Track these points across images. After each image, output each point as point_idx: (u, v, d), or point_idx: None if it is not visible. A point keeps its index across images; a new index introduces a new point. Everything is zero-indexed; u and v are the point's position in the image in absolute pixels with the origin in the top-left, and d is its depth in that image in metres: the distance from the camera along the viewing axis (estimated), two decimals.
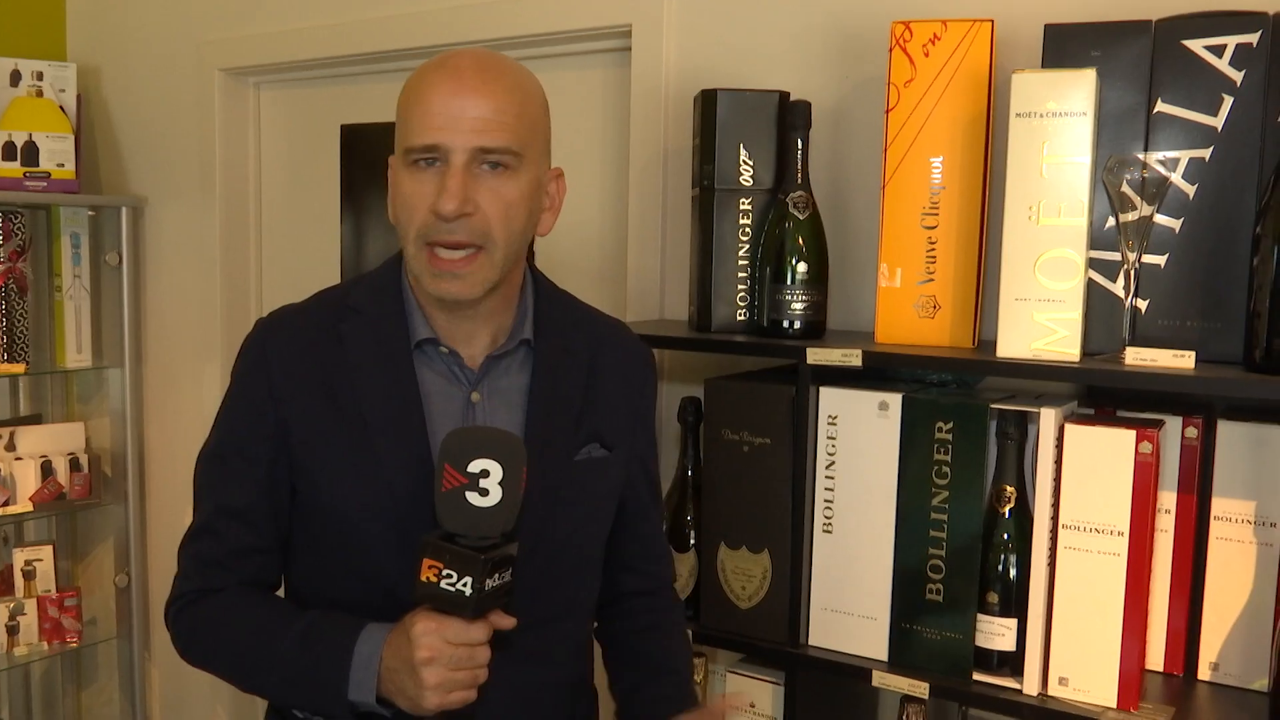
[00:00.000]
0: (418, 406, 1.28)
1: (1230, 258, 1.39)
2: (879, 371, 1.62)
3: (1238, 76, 1.39)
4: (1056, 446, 1.39)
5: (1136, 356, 1.36)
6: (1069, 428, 1.38)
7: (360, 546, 1.27)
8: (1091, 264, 1.45)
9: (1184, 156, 1.42)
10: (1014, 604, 1.44)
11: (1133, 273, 1.42)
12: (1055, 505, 1.40)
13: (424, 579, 1.13)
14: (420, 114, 1.22)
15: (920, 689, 1.46)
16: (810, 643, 1.57)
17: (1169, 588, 1.46)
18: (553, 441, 1.31)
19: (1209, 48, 1.40)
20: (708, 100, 1.66)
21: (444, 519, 1.13)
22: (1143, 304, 1.45)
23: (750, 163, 1.66)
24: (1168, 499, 1.45)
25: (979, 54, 1.49)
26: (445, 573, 1.12)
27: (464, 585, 1.11)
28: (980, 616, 1.45)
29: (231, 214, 2.69)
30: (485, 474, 1.12)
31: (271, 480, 1.30)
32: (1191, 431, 1.43)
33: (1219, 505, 1.42)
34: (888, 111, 1.53)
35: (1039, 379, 1.44)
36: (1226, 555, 1.43)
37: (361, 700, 1.19)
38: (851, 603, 1.54)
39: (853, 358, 1.47)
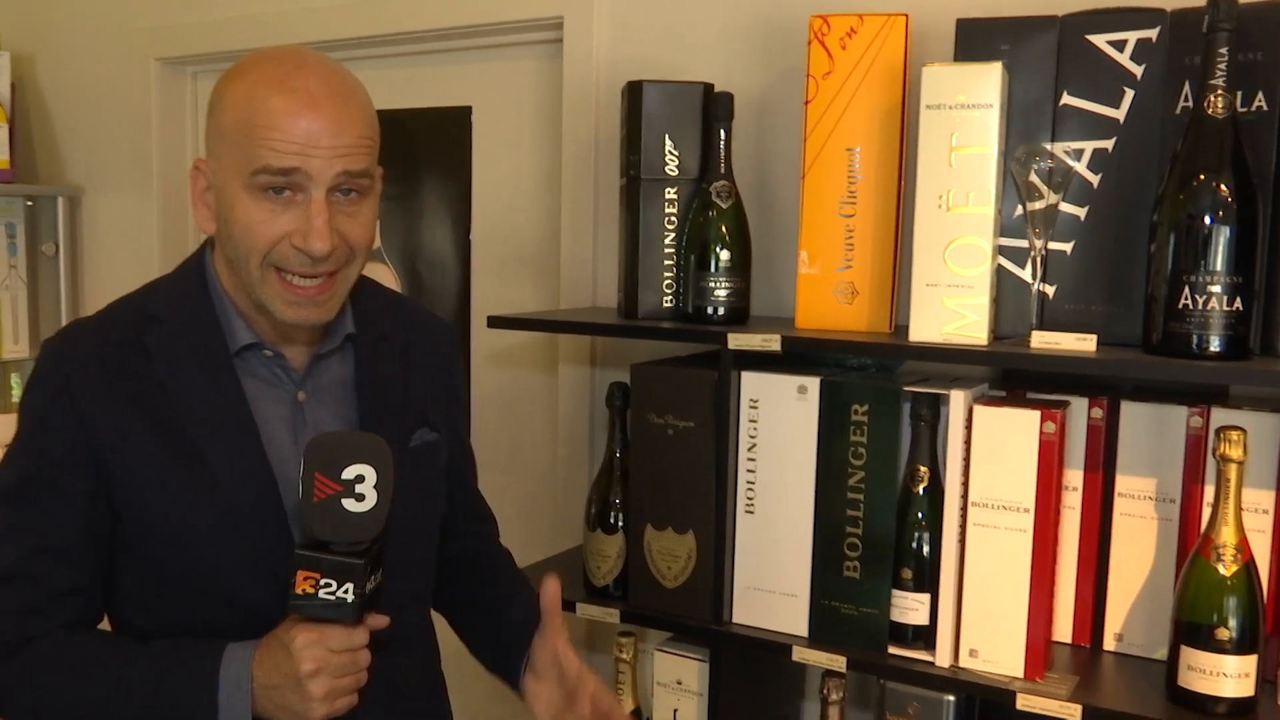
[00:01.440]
0: (248, 415, 1.24)
1: (1131, 244, 1.45)
2: (805, 356, 1.66)
3: (1138, 70, 1.44)
4: (966, 427, 1.44)
5: (1041, 340, 1.41)
6: (977, 409, 1.43)
7: (207, 567, 1.22)
8: (1001, 251, 1.50)
9: (1088, 147, 1.47)
10: (927, 580, 1.49)
11: (1039, 259, 1.47)
12: (965, 484, 1.45)
13: (300, 591, 1.11)
14: (271, 137, 1.15)
15: (838, 663, 1.51)
16: (734, 620, 1.61)
17: (1076, 562, 1.51)
18: (387, 431, 1.27)
19: (1111, 42, 1.45)
20: (633, 92, 1.69)
21: (316, 528, 1.12)
22: (1050, 289, 1.50)
23: (676, 153, 1.70)
24: (1074, 477, 1.50)
25: (894, 47, 1.53)
26: (323, 583, 1.11)
27: (345, 593, 1.11)
28: (895, 592, 1.50)
29: (169, 204, 2.69)
30: (360, 479, 1.12)
31: (90, 512, 1.22)
32: (1096, 412, 1.49)
33: (1122, 483, 1.48)
34: (806, 103, 1.57)
35: (948, 362, 1.49)
36: (1130, 530, 1.48)
37: None
38: (773, 581, 1.58)
39: (772, 343, 1.51)
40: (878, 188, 1.55)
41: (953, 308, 1.43)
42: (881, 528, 1.49)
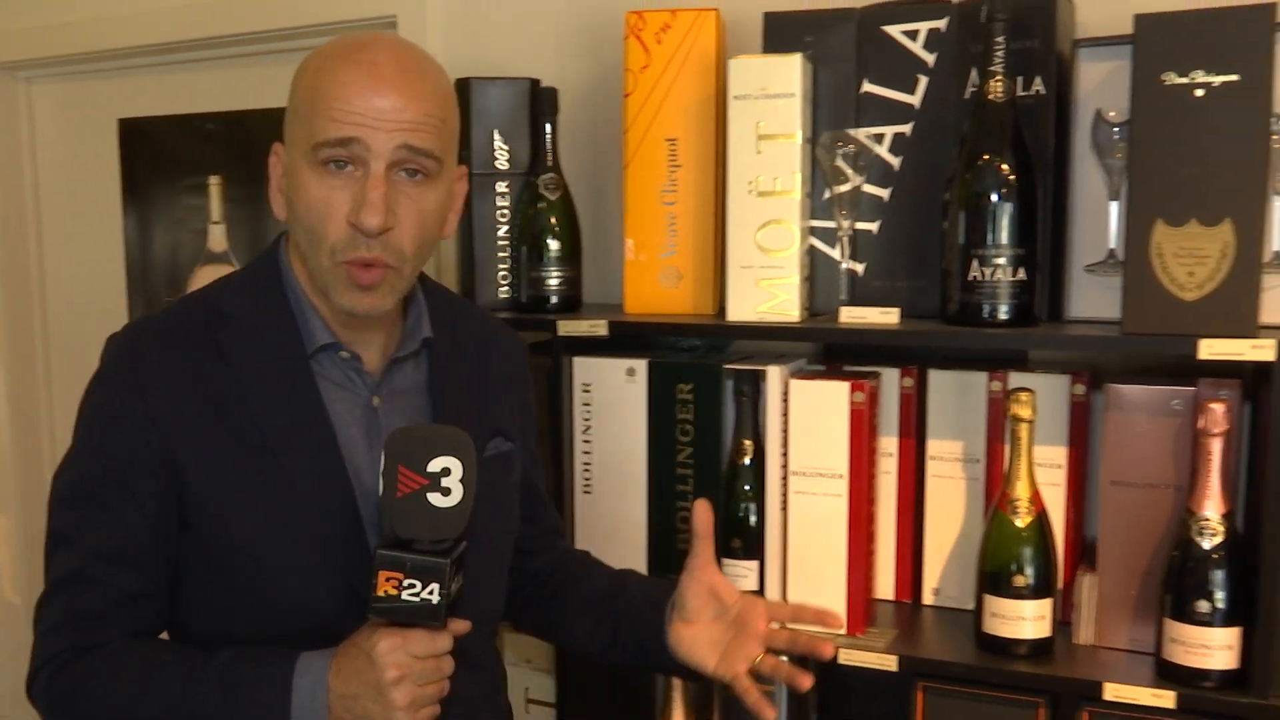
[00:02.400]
0: (325, 418, 1.19)
1: (930, 222, 1.54)
2: (640, 339, 1.73)
3: (930, 58, 1.54)
4: (784, 401, 1.52)
5: (849, 315, 1.49)
6: (793, 383, 1.51)
7: (280, 575, 1.17)
8: (813, 232, 1.58)
9: (888, 132, 1.56)
10: (755, 547, 1.57)
11: (847, 239, 1.56)
12: (785, 454, 1.53)
13: (382, 593, 1.05)
14: (333, 107, 1.11)
15: None
16: None
17: (895, 523, 1.61)
18: None
19: (905, 33, 1.54)
20: (462, 89, 1.73)
21: (399, 525, 1.06)
22: (860, 267, 1.59)
23: (506, 147, 1.74)
24: (889, 443, 1.59)
25: (706, 41, 1.60)
26: (407, 583, 1.05)
27: (430, 594, 1.06)
28: (726, 561, 1.58)
29: (7, 215, 2.63)
30: (446, 472, 1.06)
31: (159, 515, 1.16)
32: (907, 381, 1.58)
33: (933, 446, 1.58)
34: (626, 96, 1.63)
35: (763, 339, 1.58)
36: (941, 491, 1.58)
37: None
38: (612, 558, 1.63)
39: (599, 328, 1.57)
40: (697, 176, 1.62)
41: (766, 288, 1.51)
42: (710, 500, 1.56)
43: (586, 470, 1.64)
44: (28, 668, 1.18)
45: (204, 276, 2.42)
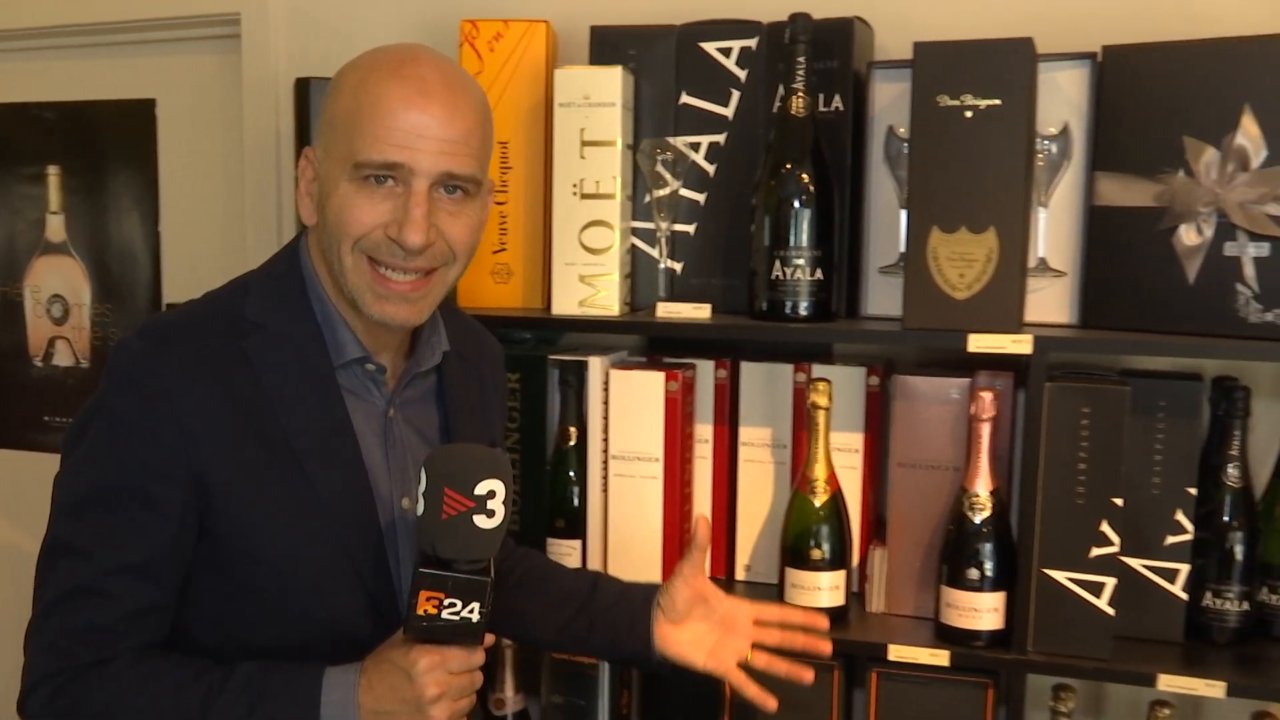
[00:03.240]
0: (350, 431, 1.19)
1: (742, 226, 1.66)
2: None
3: (742, 74, 1.66)
4: (604, 389, 1.63)
5: (665, 310, 1.61)
6: (613, 372, 1.62)
7: (301, 585, 1.16)
8: (635, 233, 1.69)
9: (704, 140, 1.68)
10: (578, 527, 1.67)
11: (666, 239, 1.67)
12: (605, 439, 1.64)
13: (422, 612, 1.06)
14: (378, 126, 1.11)
15: None
16: None
17: (711, 505, 1.73)
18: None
19: (720, 50, 1.66)
20: (301, 88, 1.79)
21: (442, 546, 1.06)
22: (678, 266, 1.71)
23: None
24: (705, 430, 1.71)
25: (536, 51, 1.70)
26: (448, 602, 1.06)
27: (471, 612, 1.07)
28: (550, 540, 1.68)
29: None
30: (492, 494, 1.07)
31: (183, 527, 1.13)
32: (721, 372, 1.71)
33: (745, 433, 1.71)
34: None
35: (584, 332, 1.68)
36: (753, 475, 1.71)
37: None
38: None
39: None
40: (527, 178, 1.71)
41: (589, 283, 1.62)
42: (536, 483, 1.66)
43: None
44: (20, 685, 1.13)
45: (42, 267, 2.41)
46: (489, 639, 1.13)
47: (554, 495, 1.67)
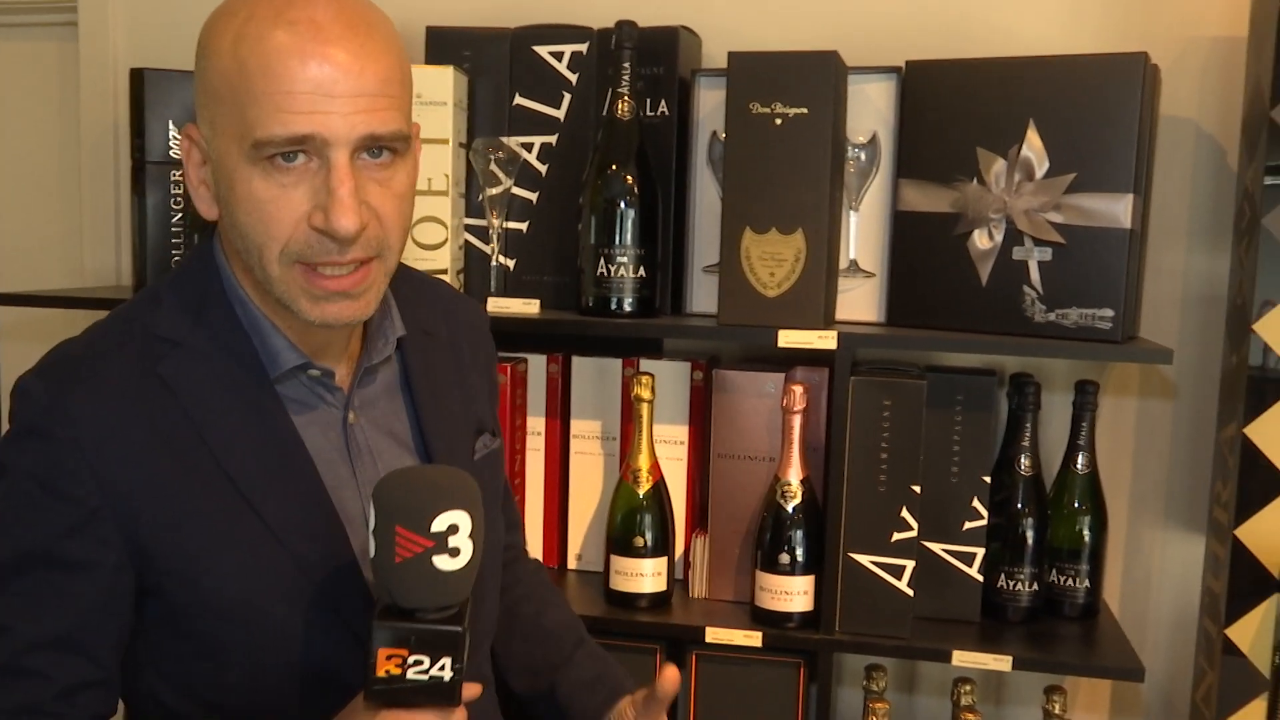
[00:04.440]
0: (301, 451, 1.02)
1: (573, 224, 1.71)
2: None
3: (574, 77, 1.71)
4: None
5: (495, 305, 1.65)
6: None
7: (273, 637, 1.00)
8: (469, 229, 1.73)
9: (537, 141, 1.73)
10: None
11: (499, 236, 1.72)
12: None
13: (383, 674, 0.88)
14: (271, 89, 0.91)
15: None
16: None
17: (542, 497, 1.78)
18: (451, 443, 1.12)
19: (552, 53, 1.71)
20: (134, 79, 1.78)
21: (400, 595, 0.88)
22: (511, 263, 1.75)
23: (180, 137, 1.81)
24: (537, 423, 1.76)
25: None
26: (413, 660, 0.88)
27: (442, 669, 0.89)
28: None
29: None
30: (454, 529, 0.88)
31: (114, 590, 0.98)
32: (553, 367, 1.75)
33: (576, 426, 1.76)
34: None
35: None
36: (583, 467, 1.76)
37: None
38: None
39: None
40: None
41: None
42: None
43: None
44: None
45: None
46: (472, 690, 0.96)
47: None
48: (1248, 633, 1.52)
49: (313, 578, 1.01)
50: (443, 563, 0.87)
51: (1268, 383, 1.50)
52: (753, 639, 1.58)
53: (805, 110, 1.49)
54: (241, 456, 0.99)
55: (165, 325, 1.02)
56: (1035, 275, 1.52)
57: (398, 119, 0.97)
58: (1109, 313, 1.49)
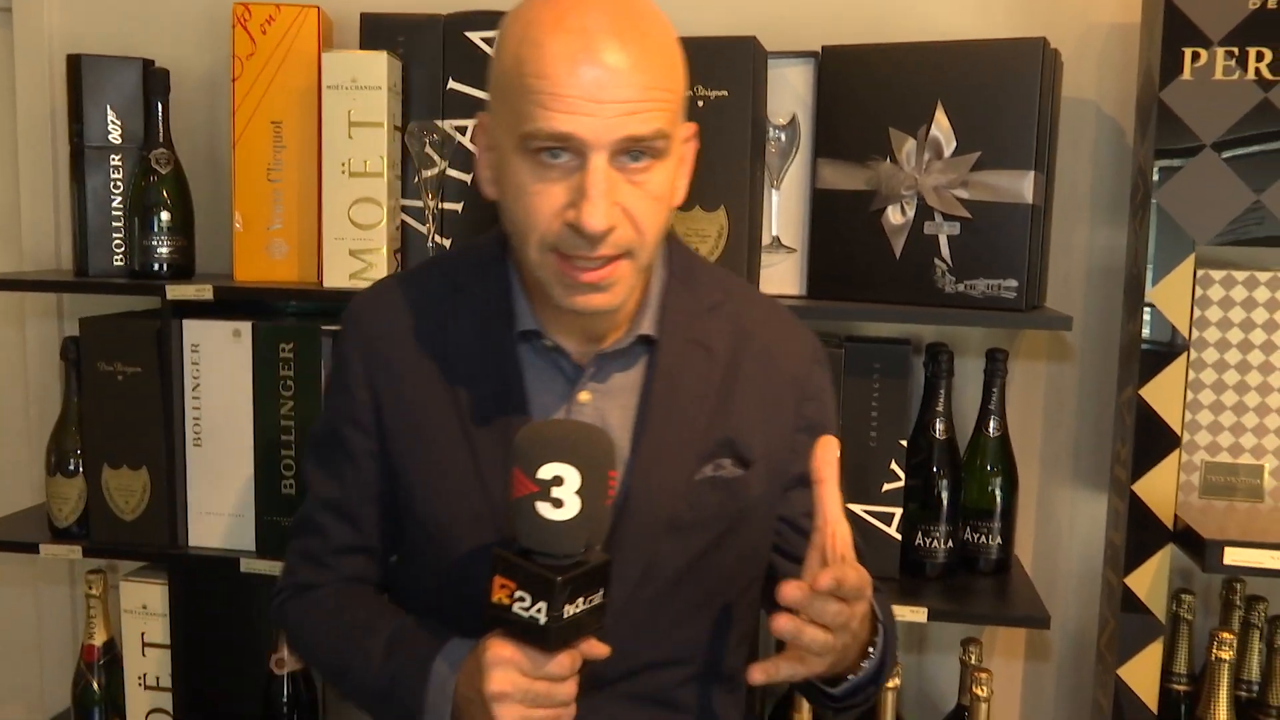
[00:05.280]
0: (522, 404, 1.12)
1: None
2: (257, 307, 1.87)
3: None
4: None
5: None
6: None
7: (455, 557, 1.12)
8: (406, 210, 1.79)
9: (469, 124, 1.79)
10: None
11: (433, 217, 1.77)
12: None
13: (495, 600, 0.96)
14: (542, 87, 0.98)
15: (277, 568, 1.74)
16: (190, 544, 1.80)
17: None
18: (669, 454, 1.13)
19: (484, 39, 1.77)
20: (72, 65, 1.81)
21: (518, 532, 0.96)
22: (447, 242, 1.81)
23: (119, 123, 1.84)
24: None
25: (308, 34, 1.77)
26: (518, 595, 0.95)
27: (538, 612, 0.94)
28: None
29: None
30: (559, 481, 0.94)
31: (372, 473, 1.18)
32: None
33: None
34: (234, 80, 1.77)
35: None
36: None
37: None
38: (222, 504, 1.78)
39: (205, 292, 1.71)
40: (300, 156, 1.78)
41: (356, 257, 1.70)
42: None
43: (196, 424, 1.77)
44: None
45: None
46: (598, 650, 1.01)
47: None
48: (1144, 581, 1.63)
49: (497, 519, 1.09)
50: (545, 510, 0.94)
51: (1160, 348, 1.60)
52: None
53: (726, 93, 1.57)
54: (474, 393, 1.13)
55: (463, 275, 1.18)
56: (945, 249, 1.61)
57: (659, 119, 1.01)
58: (1013, 283, 1.58)
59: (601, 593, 0.98)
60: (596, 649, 1.02)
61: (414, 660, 1.09)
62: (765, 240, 1.72)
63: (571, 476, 0.93)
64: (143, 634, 1.86)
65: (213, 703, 1.89)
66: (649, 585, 1.12)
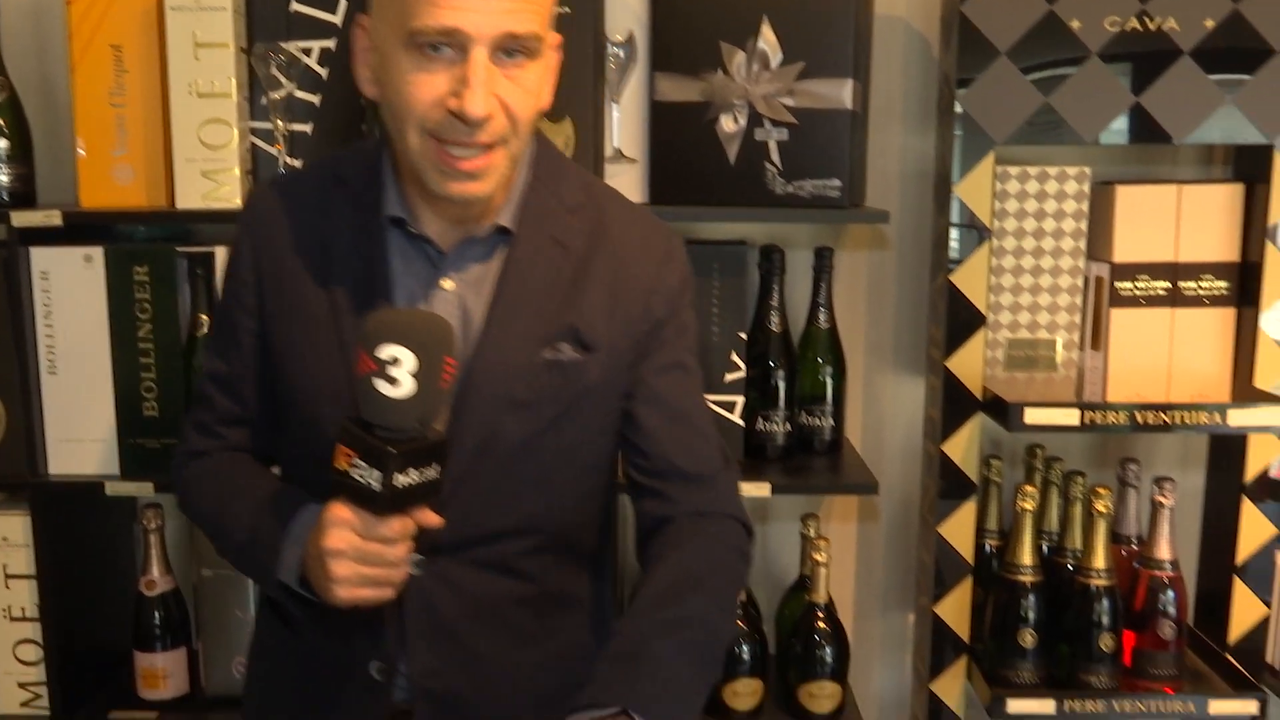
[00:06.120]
0: (385, 287, 1.20)
1: (355, 125, 1.82)
2: (104, 233, 1.86)
3: None
4: None
5: None
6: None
7: (321, 430, 1.16)
8: (256, 133, 1.81)
9: (316, 45, 1.81)
10: None
11: (283, 138, 1.80)
12: None
13: (338, 466, 1.05)
14: None
15: (147, 490, 1.77)
16: (51, 471, 1.81)
17: None
18: (514, 337, 1.20)
19: None
20: None
21: (361, 407, 1.05)
22: (297, 163, 1.84)
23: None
24: None
25: None
26: (357, 463, 1.04)
27: (373, 479, 1.04)
28: None
29: None
30: (395, 361, 1.02)
31: (254, 351, 1.27)
32: None
33: None
34: (68, 4, 1.75)
35: (209, 223, 1.80)
36: None
37: (286, 582, 1.16)
38: (83, 430, 1.79)
39: (54, 218, 1.71)
40: (143, 80, 1.78)
41: (210, 178, 1.73)
42: (169, 370, 1.77)
43: (50, 352, 1.77)
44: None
45: None
46: (430, 519, 1.10)
47: (189, 382, 1.78)
48: (958, 448, 1.82)
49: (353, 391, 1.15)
50: (382, 387, 1.02)
51: (966, 235, 1.78)
52: None
53: (568, 10, 1.65)
54: (343, 280, 1.21)
55: (344, 168, 1.26)
56: (775, 153, 1.74)
57: (534, 22, 1.10)
58: (837, 183, 1.73)
59: (436, 468, 1.07)
60: (430, 518, 1.10)
61: (275, 520, 1.19)
62: (607, 152, 1.82)
63: (407, 358, 1.02)
64: (4, 566, 1.85)
65: (83, 630, 1.91)
66: (488, 458, 1.19)
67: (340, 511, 1.07)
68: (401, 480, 1.04)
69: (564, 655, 1.29)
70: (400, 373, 1.02)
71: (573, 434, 1.24)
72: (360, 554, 1.08)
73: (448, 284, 1.21)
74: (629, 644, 1.10)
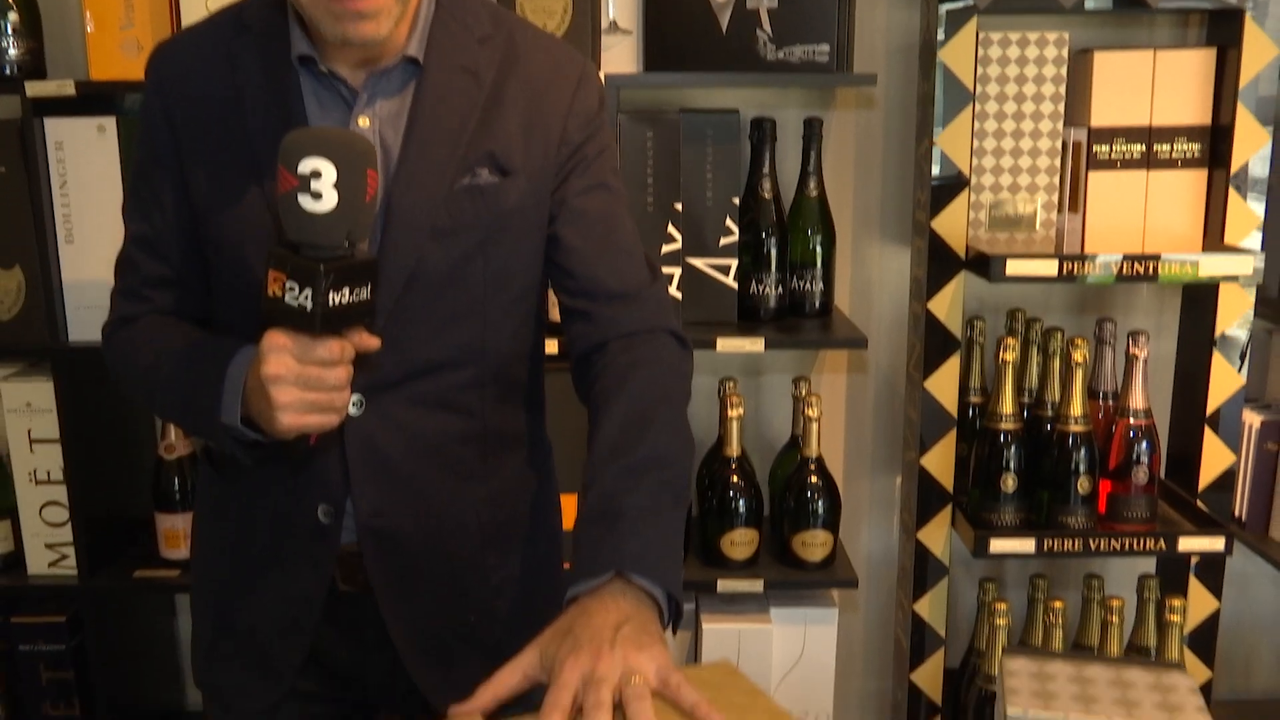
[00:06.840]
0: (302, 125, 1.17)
1: None
2: (110, 103, 1.91)
3: None
4: None
5: None
6: None
7: (249, 278, 1.14)
8: None
9: None
10: None
11: None
12: None
13: (269, 293, 1.04)
14: None
15: None
16: (71, 339, 1.88)
17: None
18: (431, 166, 1.19)
19: None
20: None
21: (286, 227, 1.03)
22: None
23: None
24: None
25: None
26: (288, 285, 1.02)
27: (305, 299, 1.02)
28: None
29: None
30: (317, 175, 1.01)
31: (177, 209, 1.23)
32: None
33: None
34: None
35: None
36: None
37: (230, 423, 1.13)
38: (101, 297, 1.83)
39: (67, 88, 1.76)
40: None
41: None
42: None
43: (67, 221, 1.83)
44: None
45: None
46: (368, 342, 1.09)
47: None
48: (943, 305, 1.90)
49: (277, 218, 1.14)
50: (305, 202, 1.01)
51: (950, 99, 1.84)
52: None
53: None
54: (259, 124, 1.18)
55: (249, 13, 1.22)
56: (766, 21, 1.80)
57: None
58: (825, 47, 1.79)
59: (369, 289, 1.06)
60: (367, 340, 1.09)
61: (212, 366, 1.16)
62: (603, 25, 1.87)
63: (328, 170, 1.01)
64: (29, 430, 1.93)
65: (105, 492, 2.00)
66: (417, 288, 1.19)
67: (277, 338, 1.05)
68: (335, 299, 1.03)
69: (506, 491, 1.31)
70: (322, 185, 1.01)
71: (499, 260, 1.24)
72: (300, 378, 1.06)
73: (364, 121, 1.19)
74: (602, 502, 1.09)
